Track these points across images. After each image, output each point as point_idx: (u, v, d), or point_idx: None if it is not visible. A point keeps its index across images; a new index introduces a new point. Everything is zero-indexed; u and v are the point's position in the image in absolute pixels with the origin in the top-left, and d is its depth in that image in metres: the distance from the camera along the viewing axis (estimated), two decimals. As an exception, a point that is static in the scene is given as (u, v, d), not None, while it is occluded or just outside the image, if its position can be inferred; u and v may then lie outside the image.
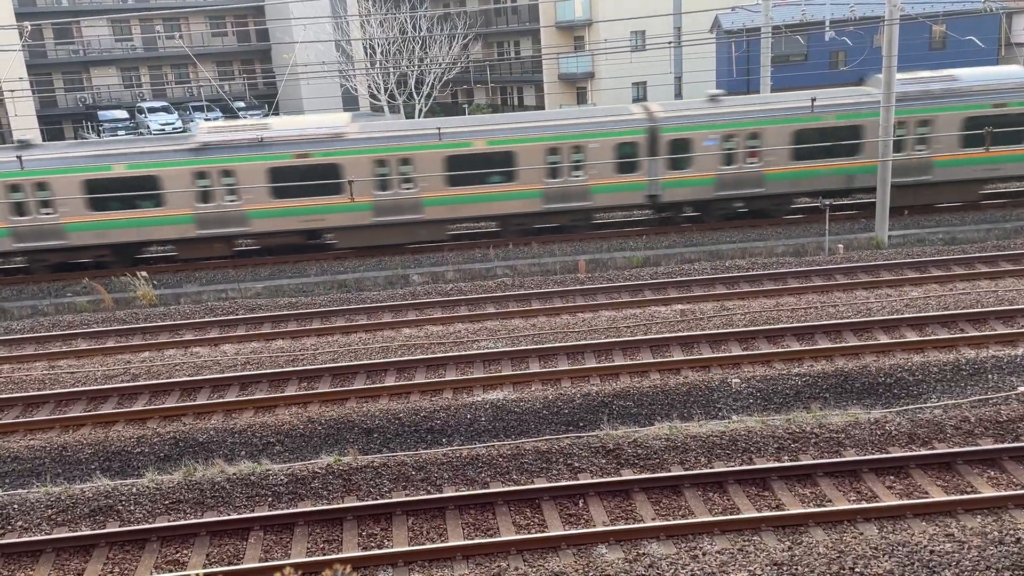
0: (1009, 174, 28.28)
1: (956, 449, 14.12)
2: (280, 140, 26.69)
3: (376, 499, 13.95)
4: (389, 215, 27.15)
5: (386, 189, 26.93)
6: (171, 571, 12.56)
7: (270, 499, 14.14)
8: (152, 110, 58.24)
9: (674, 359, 17.94)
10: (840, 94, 28.78)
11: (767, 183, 27.65)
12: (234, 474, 14.53)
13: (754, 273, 22.98)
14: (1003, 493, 12.83)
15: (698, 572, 11.58)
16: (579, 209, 27.85)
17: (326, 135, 26.80)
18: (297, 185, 26.48)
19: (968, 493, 13.20)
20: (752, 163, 27.45)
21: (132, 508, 13.98)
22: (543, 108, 55.57)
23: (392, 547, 12.74)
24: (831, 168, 27.31)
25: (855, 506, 12.78)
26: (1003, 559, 11.44)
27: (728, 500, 13.41)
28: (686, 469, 14.26)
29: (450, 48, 49.68)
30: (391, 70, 47.77)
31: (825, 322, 19.15)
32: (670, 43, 46.51)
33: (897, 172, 27.17)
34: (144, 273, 25.21)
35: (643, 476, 13.83)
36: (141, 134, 54.63)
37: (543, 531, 12.90)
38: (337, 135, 26.79)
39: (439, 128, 27.06)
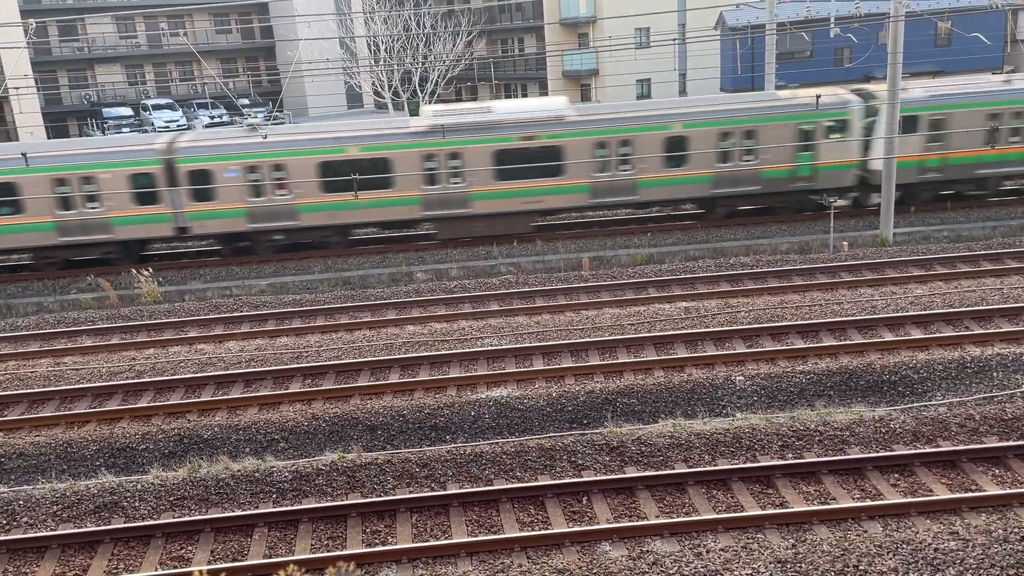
0: (550, 207, 27.67)
1: (961, 447, 14.10)
2: None
3: (380, 496, 13.97)
4: None
5: None
6: (176, 567, 12.58)
7: (274, 496, 14.16)
8: (157, 107, 58.37)
9: (678, 356, 17.94)
10: (374, 125, 28.65)
11: (301, 215, 27.03)
12: (238, 471, 14.56)
13: (758, 270, 22.95)
14: (1008, 491, 12.81)
15: (702, 570, 11.57)
16: (103, 242, 26.84)
17: None
18: None
19: (973, 491, 13.18)
20: (283, 195, 26.77)
21: (137, 504, 14.01)
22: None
23: (396, 544, 12.76)
24: (369, 200, 26.74)
25: (859, 504, 12.77)
26: (1008, 557, 11.43)
27: (732, 498, 13.41)
28: (690, 467, 14.26)
29: (454, 45, 49.66)
30: (395, 67, 47.75)
31: (830, 320, 19.12)
32: (674, 40, 46.46)
33: (435, 205, 27.05)
34: (149, 270, 25.27)
35: (647, 474, 13.82)
36: (145, 131, 54.72)
37: (547, 528, 12.91)
38: None
39: None
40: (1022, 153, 27.82)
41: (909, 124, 27.21)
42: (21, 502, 14.10)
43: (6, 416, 17.50)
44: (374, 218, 27.43)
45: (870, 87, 29.17)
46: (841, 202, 29.02)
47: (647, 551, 12.05)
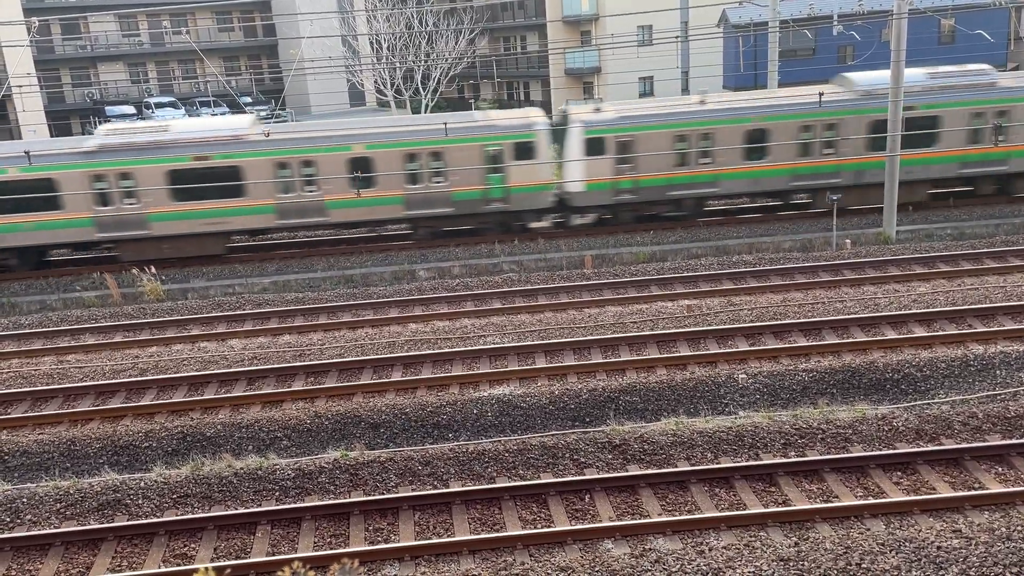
0: (236, 228, 27.33)
1: (964, 445, 14.09)
2: None
3: (383, 494, 13.98)
4: None
5: None
6: (179, 565, 12.60)
7: (277, 494, 14.18)
8: (159, 105, 58.41)
9: (680, 355, 17.93)
10: (43, 144, 28.00)
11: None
12: (241, 468, 14.58)
13: (761, 268, 22.93)
14: (1011, 489, 12.79)
15: (704, 568, 11.58)
16: None
17: None
18: None
19: (976, 489, 13.17)
20: None
21: (140, 502, 14.03)
22: (549, 103, 55.53)
23: (399, 542, 12.77)
24: (37, 222, 26.33)
25: (862, 502, 12.75)
26: (1010, 555, 11.42)
27: (734, 496, 13.41)
28: (692, 465, 14.26)
29: (456, 43, 49.63)
30: (397, 65, 47.76)
31: (832, 318, 19.10)
32: (677, 38, 46.42)
33: (110, 227, 26.68)
34: (151, 268, 25.31)
35: (649, 472, 13.83)
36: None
37: (549, 526, 12.92)
38: None
39: None
40: (714, 175, 27.59)
41: (596, 146, 27.16)
42: (25, 499, 14.13)
43: (10, 414, 17.54)
44: (44, 240, 27.06)
45: (571, 109, 28.89)
46: (542, 224, 28.93)
47: (650, 549, 12.06)
